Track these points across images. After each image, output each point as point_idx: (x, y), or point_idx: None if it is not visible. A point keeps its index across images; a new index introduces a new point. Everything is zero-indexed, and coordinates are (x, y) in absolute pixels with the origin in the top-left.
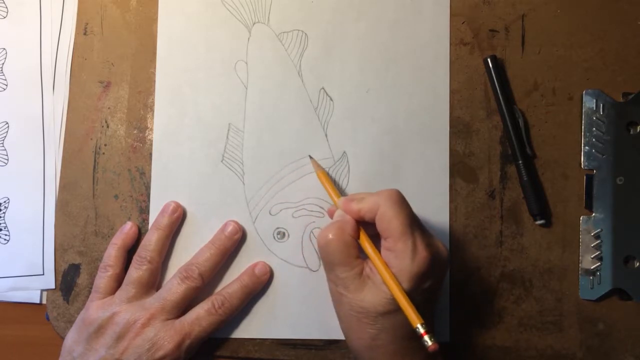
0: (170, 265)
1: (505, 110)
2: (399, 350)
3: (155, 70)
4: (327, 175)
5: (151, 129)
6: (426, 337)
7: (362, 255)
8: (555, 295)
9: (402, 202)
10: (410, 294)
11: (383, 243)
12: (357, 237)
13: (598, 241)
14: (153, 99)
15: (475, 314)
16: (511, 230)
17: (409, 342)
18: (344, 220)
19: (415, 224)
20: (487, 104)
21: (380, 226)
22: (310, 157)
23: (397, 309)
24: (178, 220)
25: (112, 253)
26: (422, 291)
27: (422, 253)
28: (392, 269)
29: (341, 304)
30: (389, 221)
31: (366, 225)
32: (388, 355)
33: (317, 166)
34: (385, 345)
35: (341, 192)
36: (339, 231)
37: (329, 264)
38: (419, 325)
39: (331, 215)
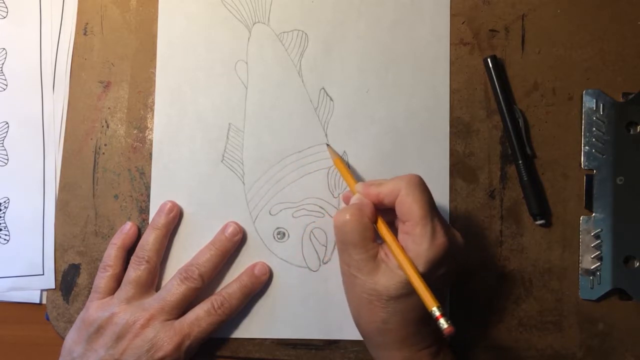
0: (171, 265)
1: (505, 110)
2: (409, 335)
3: (155, 70)
4: (344, 161)
5: (151, 129)
6: (442, 320)
7: (377, 240)
8: (555, 295)
9: (423, 187)
10: (425, 279)
11: (401, 227)
12: (375, 221)
13: (598, 241)
14: (153, 99)
15: (475, 314)
16: (511, 230)
17: (419, 327)
18: (362, 203)
19: (434, 210)
20: (487, 104)
21: (400, 209)
22: (328, 145)
23: (409, 293)
24: (175, 219)
25: (111, 253)
26: (436, 277)
27: (441, 239)
28: (408, 253)
29: (353, 285)
30: (410, 205)
31: (383, 212)
32: (398, 339)
33: (334, 153)
34: (396, 330)
35: (358, 178)
36: (357, 212)
37: (344, 244)
38: (434, 309)
39: (346, 201)
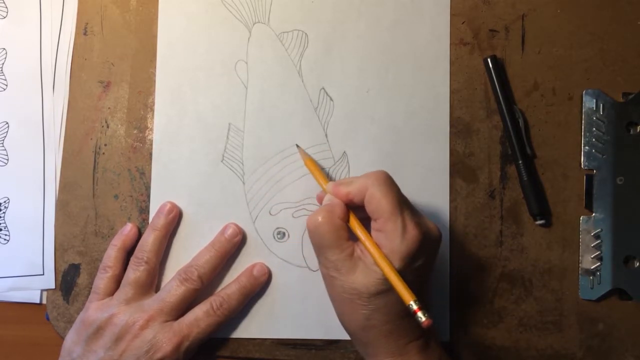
0: (170, 266)
1: (505, 110)
2: (394, 329)
3: (155, 70)
4: (315, 162)
5: (151, 129)
6: (419, 314)
7: (352, 238)
8: (555, 295)
9: (390, 183)
10: (402, 273)
11: (373, 224)
12: (347, 220)
13: (598, 241)
14: (153, 99)
15: (475, 314)
16: (511, 230)
17: (403, 321)
18: (333, 204)
19: (404, 204)
20: (487, 104)
21: (369, 207)
22: (298, 146)
23: (389, 289)
24: (174, 220)
25: (111, 254)
26: (413, 270)
27: (412, 232)
28: (382, 250)
29: (333, 286)
30: (378, 202)
31: (355, 210)
32: (383, 335)
33: (305, 154)
34: (380, 325)
35: (330, 179)
36: (329, 214)
37: (319, 247)
38: (412, 302)
39: (320, 201)
